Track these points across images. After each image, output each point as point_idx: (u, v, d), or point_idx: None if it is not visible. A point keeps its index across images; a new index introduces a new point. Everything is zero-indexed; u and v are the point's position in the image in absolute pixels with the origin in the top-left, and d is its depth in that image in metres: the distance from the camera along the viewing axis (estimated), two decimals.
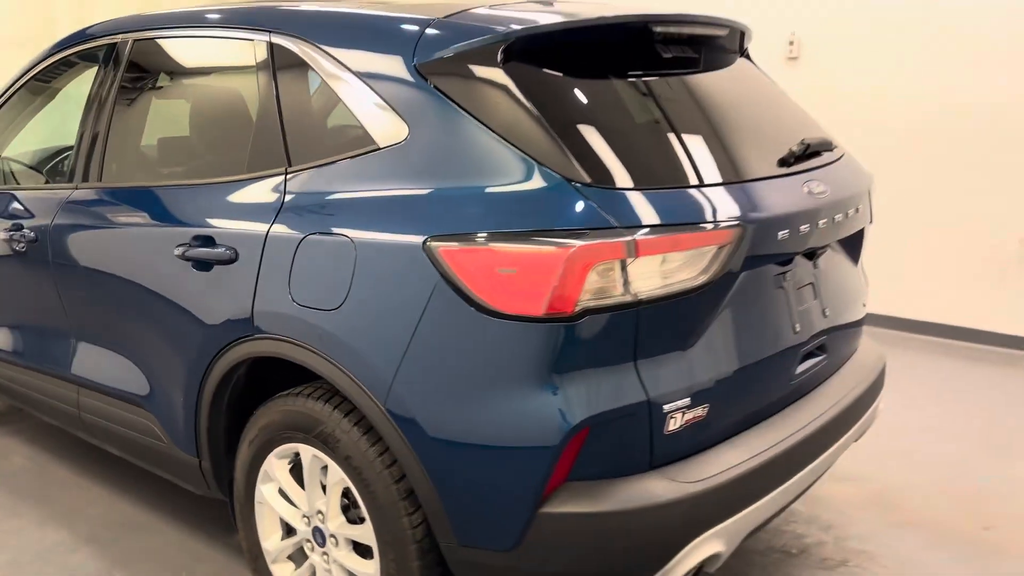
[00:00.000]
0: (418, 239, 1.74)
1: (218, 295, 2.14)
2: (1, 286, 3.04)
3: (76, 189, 2.68)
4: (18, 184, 3.22)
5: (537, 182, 1.71)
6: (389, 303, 1.80)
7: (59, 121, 3.31)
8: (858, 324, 2.46)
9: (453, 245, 1.70)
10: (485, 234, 1.68)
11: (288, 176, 2.07)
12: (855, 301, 2.42)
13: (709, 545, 1.77)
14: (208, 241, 2.15)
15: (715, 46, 2.32)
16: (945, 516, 2.88)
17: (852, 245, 2.37)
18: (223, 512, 2.84)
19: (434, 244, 1.71)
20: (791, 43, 5.04)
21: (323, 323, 1.89)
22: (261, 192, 2.10)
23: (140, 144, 2.70)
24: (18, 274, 2.89)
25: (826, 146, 2.25)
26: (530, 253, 1.64)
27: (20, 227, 2.80)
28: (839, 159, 2.34)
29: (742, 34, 2.43)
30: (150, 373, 2.44)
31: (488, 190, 1.75)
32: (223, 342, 2.14)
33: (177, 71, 2.73)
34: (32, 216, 2.80)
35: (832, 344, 2.23)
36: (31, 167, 3.34)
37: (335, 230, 1.89)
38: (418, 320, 1.74)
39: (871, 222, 2.43)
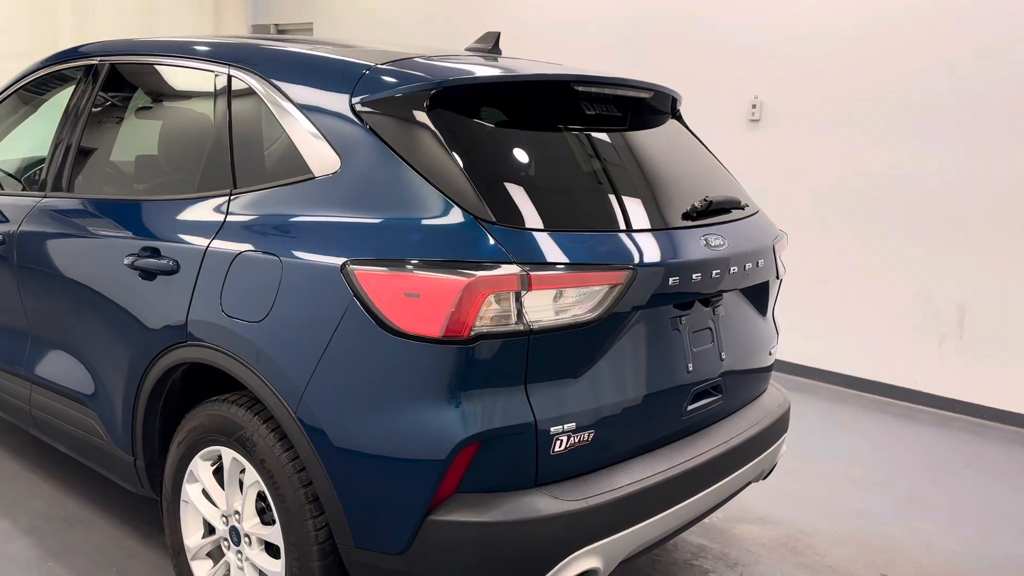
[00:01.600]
0: (338, 261, 1.91)
1: (158, 303, 2.30)
2: None
3: (44, 197, 2.85)
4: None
5: (450, 218, 1.88)
6: (306, 318, 1.96)
7: (45, 132, 3.50)
8: (762, 370, 2.63)
9: (368, 269, 1.87)
10: (398, 261, 1.86)
11: (232, 197, 2.24)
12: (760, 348, 2.59)
13: (586, 560, 1.92)
14: (155, 252, 2.32)
15: (644, 107, 2.52)
16: (847, 562, 3.02)
17: (758, 296, 2.55)
18: (157, 511, 2.98)
19: (352, 267, 1.88)
20: (754, 106, 5.28)
21: (247, 333, 2.05)
22: (206, 210, 2.28)
23: (107, 159, 2.88)
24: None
25: (733, 203, 2.44)
26: (433, 280, 1.81)
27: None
28: (750, 216, 2.53)
29: (673, 99, 2.64)
30: (95, 373, 2.59)
31: (407, 222, 1.92)
32: (160, 347, 2.29)
33: (147, 94, 2.92)
34: (4, 220, 2.97)
35: (729, 386, 2.40)
36: (11, 174, 3.52)
37: (266, 249, 2.06)
38: (331, 336, 1.91)
39: (778, 276, 2.61)
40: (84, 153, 2.81)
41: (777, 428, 2.57)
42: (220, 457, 2.25)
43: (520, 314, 1.82)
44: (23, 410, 2.97)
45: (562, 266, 1.87)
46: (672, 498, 2.10)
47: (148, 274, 2.33)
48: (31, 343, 2.88)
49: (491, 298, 1.79)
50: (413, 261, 1.85)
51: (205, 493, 2.32)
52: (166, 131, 2.78)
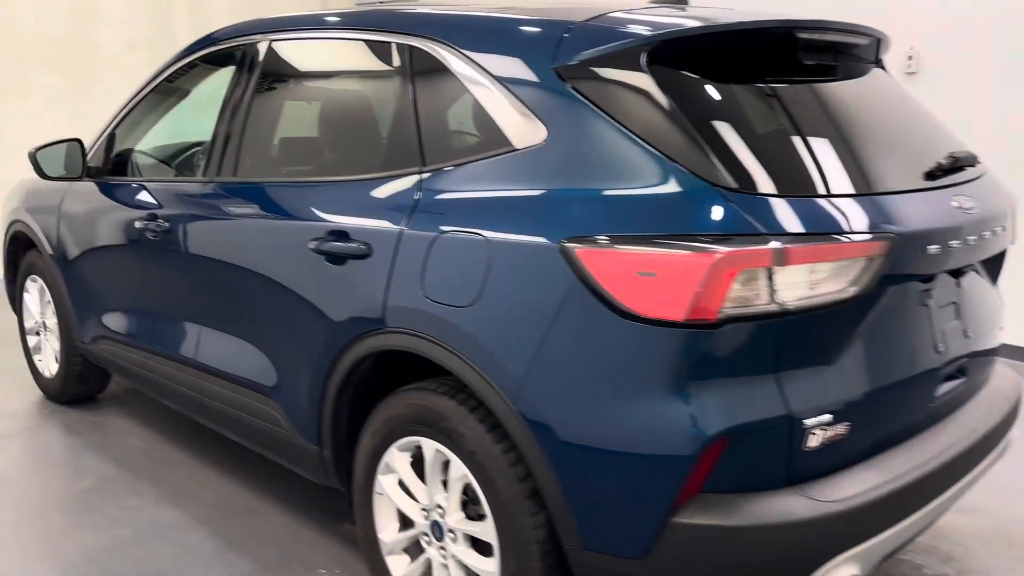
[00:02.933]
0: (554, 240, 1.74)
1: (349, 289, 2.19)
2: (128, 272, 3.19)
3: (211, 183, 2.78)
4: (147, 177, 3.37)
5: (680, 186, 1.69)
6: (522, 302, 1.80)
7: (195, 118, 3.46)
8: (996, 349, 2.35)
9: (591, 247, 1.70)
10: (624, 237, 1.68)
11: (423, 175, 2.10)
12: (994, 324, 2.32)
13: (845, 568, 1.72)
14: (342, 236, 2.20)
15: (853, 54, 2.26)
16: None
17: (992, 265, 2.28)
18: (332, 500, 2.92)
19: (571, 245, 1.71)
20: (910, 58, 4.87)
21: (455, 320, 1.91)
22: (396, 190, 2.15)
23: (275, 142, 2.79)
24: (148, 261, 3.03)
25: (971, 161, 2.17)
26: (673, 257, 1.62)
27: (154, 217, 2.93)
28: (982, 176, 2.25)
29: (879, 43, 2.37)
30: (276, 362, 2.51)
31: (628, 193, 1.74)
32: (352, 334, 2.18)
33: (313, 72, 2.82)
34: (165, 207, 2.93)
35: (971, 367, 2.14)
36: (161, 160, 3.50)
37: (470, 228, 1.92)
38: (552, 321, 1.75)
39: (1013, 242, 2.32)
40: (251, 136, 2.73)
41: (1013, 414, 2.30)
42: (418, 448, 2.14)
43: (772, 293, 1.62)
44: (193, 399, 2.95)
45: (816, 237, 1.66)
46: (928, 495, 1.88)
47: (336, 258, 2.22)
48: (202, 332, 2.84)
49: (741, 276, 1.59)
50: (645, 236, 1.66)
51: (402, 485, 2.22)
52: (337, 109, 2.67)
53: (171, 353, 2.99)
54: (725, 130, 1.80)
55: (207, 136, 2.90)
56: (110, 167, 3.38)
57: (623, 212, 1.72)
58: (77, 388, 3.90)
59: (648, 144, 1.74)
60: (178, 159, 3.41)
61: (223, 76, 2.94)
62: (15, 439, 3.62)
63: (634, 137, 1.76)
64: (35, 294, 4.04)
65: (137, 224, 3.00)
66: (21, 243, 4.05)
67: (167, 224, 2.86)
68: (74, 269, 3.51)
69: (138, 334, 3.18)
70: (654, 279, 1.63)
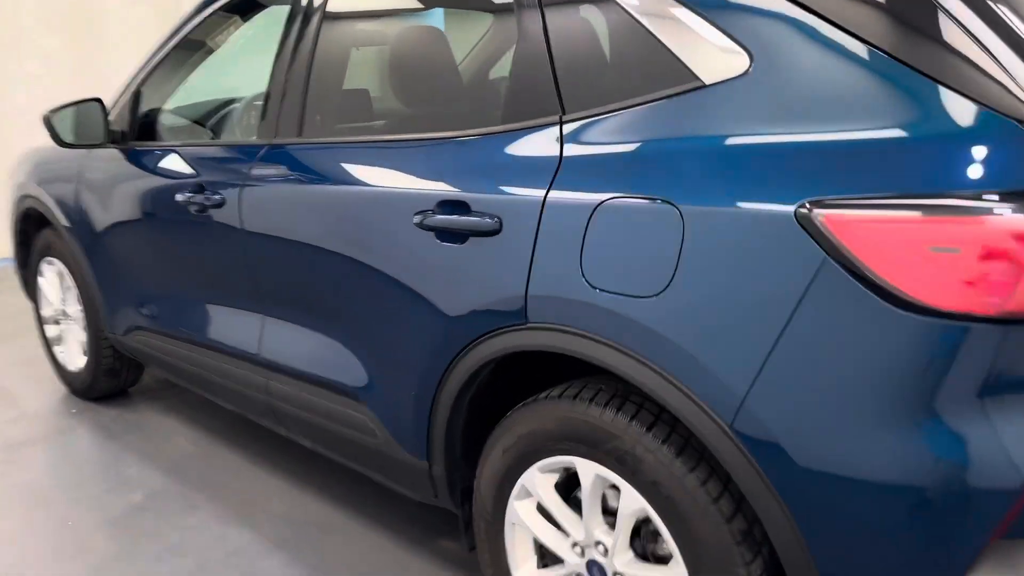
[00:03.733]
0: (787, 205, 1.29)
1: (472, 274, 1.74)
2: (170, 254, 2.73)
3: (271, 147, 2.31)
4: (187, 141, 2.89)
5: (975, 125, 1.23)
6: (741, 291, 1.36)
7: (222, 72, 2.98)
8: None
9: (848, 214, 1.25)
10: (894, 198, 1.23)
11: (564, 125, 1.64)
12: None
13: None
14: (460, 208, 1.75)
15: None
16: None
17: None
18: (423, 515, 2.51)
19: (818, 212, 1.26)
20: None
21: (635, 313, 1.47)
22: (528, 146, 1.69)
23: (358, 93, 2.32)
24: (195, 241, 2.57)
25: None
26: (987, 227, 1.17)
27: (200, 188, 2.46)
28: None
29: None
30: (370, 363, 2.08)
31: (890, 136, 1.28)
32: (479, 331, 1.75)
33: (402, 6, 2.33)
34: (214, 176, 2.46)
35: None
36: (201, 122, 3.02)
37: (648, 194, 1.46)
38: (791, 314, 1.30)
39: None
40: (324, 87, 2.26)
41: None
42: (569, 470, 1.72)
43: None
44: (257, 400, 2.52)
45: None
46: None
47: (451, 236, 1.77)
48: (267, 324, 2.40)
49: None
50: (928, 197, 1.21)
51: (542, 511, 1.80)
52: (434, 51, 2.18)
53: (227, 348, 2.55)
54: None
55: (256, 91, 2.44)
56: (136, 131, 2.90)
57: (892, 164, 1.26)
58: (108, 383, 3.47)
59: (914, 67, 1.28)
60: (223, 119, 2.94)
61: (275, 17, 2.46)
62: (42, 446, 3.19)
63: (890, 57, 1.30)
64: (52, 278, 3.59)
65: (179, 197, 2.53)
66: (33, 220, 3.60)
67: (218, 197, 2.39)
68: (101, 251, 3.06)
69: (184, 326, 2.74)
70: (956, 256, 1.18)
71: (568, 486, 1.75)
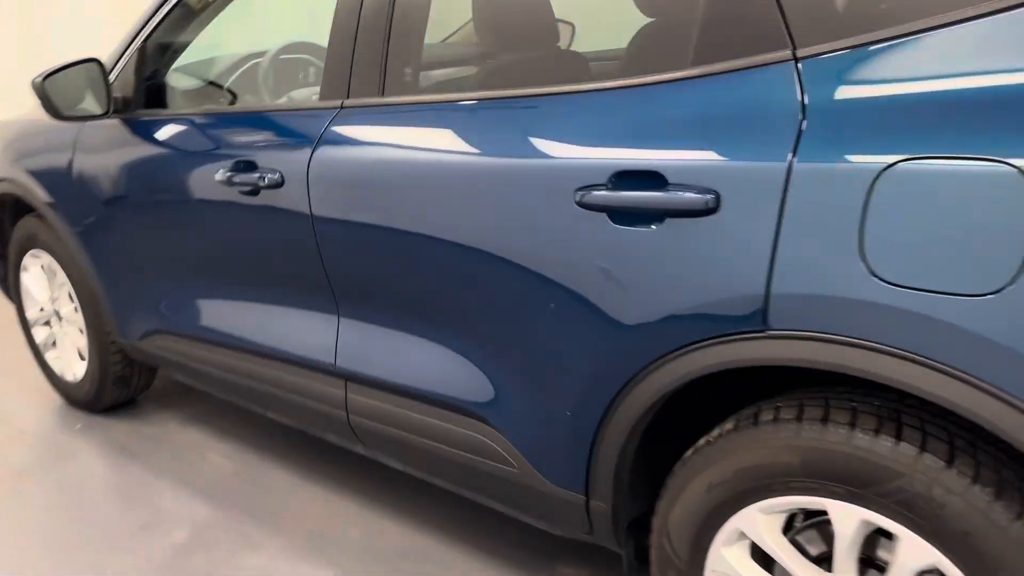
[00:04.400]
0: None
1: (670, 267, 1.34)
2: (205, 245, 2.27)
3: (343, 110, 1.86)
4: (219, 107, 2.41)
5: None
6: None
7: (241, 22, 2.49)
8: None
9: None
10: None
11: (801, 63, 1.23)
12: None
13: None
14: (649, 180, 1.34)
15: None
16: None
17: None
18: (528, 536, 2.13)
19: None
20: None
21: (960, 317, 1.09)
22: (749, 94, 1.28)
23: (464, 36, 1.86)
24: (241, 229, 2.11)
25: None
26: None
27: (249, 165, 2.00)
28: None
29: None
30: (501, 375, 1.68)
31: None
32: (676, 342, 1.36)
33: None
34: (264, 149, 2.00)
35: None
36: (219, 82, 2.53)
37: (971, 154, 1.07)
38: None
39: None
40: (409, 32, 1.80)
41: None
42: (804, 512, 1.35)
43: None
44: (329, 416, 2.10)
45: None
46: None
47: (633, 217, 1.36)
48: (345, 327, 1.97)
49: None
50: None
51: (759, 558, 1.43)
52: None
53: (289, 355, 2.12)
54: None
55: (307, 40, 1.97)
56: (144, 96, 2.40)
57: None
58: (117, 392, 3.00)
59: None
60: (260, 79, 2.46)
61: None
62: (49, 472, 2.73)
63: None
64: (38, 274, 3.08)
65: (218, 176, 2.06)
66: (7, 208, 3.08)
67: (276, 175, 1.93)
68: (106, 244, 2.57)
69: (226, 329, 2.29)
70: None
71: (792, 525, 1.39)
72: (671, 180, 1.31)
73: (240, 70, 2.59)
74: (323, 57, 2.05)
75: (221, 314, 2.29)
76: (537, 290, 1.53)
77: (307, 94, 2.57)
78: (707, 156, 1.29)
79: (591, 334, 1.47)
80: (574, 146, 1.46)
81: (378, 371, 1.92)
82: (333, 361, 2.00)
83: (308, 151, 1.87)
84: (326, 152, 1.84)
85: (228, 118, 2.17)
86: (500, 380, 1.69)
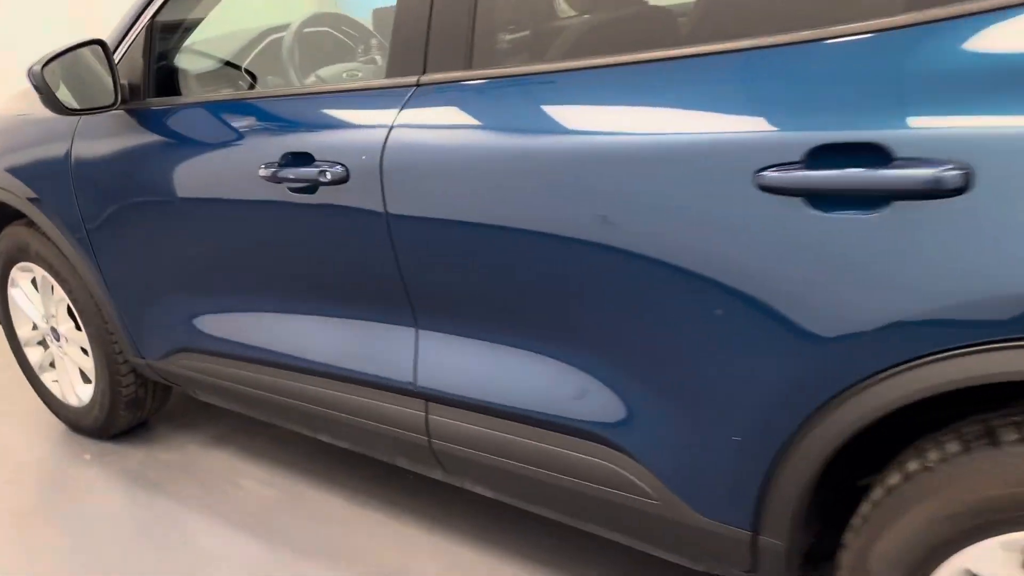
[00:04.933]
0: None
1: (900, 262, 1.09)
2: (246, 251, 1.97)
3: (418, 86, 1.57)
4: (255, 90, 2.10)
5: None
6: None
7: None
8: None
9: None
10: None
11: None
12: None
13: None
14: (866, 153, 1.08)
15: None
16: None
17: None
18: (638, 561, 1.87)
19: None
20: None
21: None
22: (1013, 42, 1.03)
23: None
24: (292, 231, 1.81)
25: None
26: None
27: (304, 157, 1.70)
28: None
29: None
30: (639, 393, 1.42)
31: None
32: (904, 354, 1.11)
33: None
34: (321, 139, 1.70)
35: None
36: (227, 63, 2.21)
37: None
38: None
39: None
40: None
41: None
42: None
43: None
44: (406, 441, 1.83)
45: None
46: None
47: (841, 201, 1.11)
48: (426, 341, 1.70)
49: None
50: None
51: None
52: None
53: (354, 373, 1.85)
54: None
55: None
56: (156, 81, 2.08)
57: None
58: (130, 416, 2.69)
59: None
60: (301, 56, 2.14)
61: None
62: (63, 513, 2.41)
63: None
64: (28, 289, 2.75)
65: (262, 172, 1.76)
66: None
67: (339, 169, 1.63)
68: (118, 253, 2.25)
69: (273, 346, 1.99)
70: None
71: None
72: (899, 154, 1.06)
73: (258, 48, 2.28)
74: (350, 28, 1.76)
75: (266, 329, 1.99)
76: (697, 293, 1.27)
77: (338, 71, 2.27)
78: (954, 122, 1.04)
79: (775, 346, 1.22)
80: (750, 117, 1.20)
81: (470, 390, 1.66)
82: (412, 380, 1.73)
83: (380, 139, 1.58)
84: (403, 139, 1.56)
85: (266, 104, 1.86)
86: (636, 399, 1.43)
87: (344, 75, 2.28)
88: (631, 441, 1.46)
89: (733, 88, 1.23)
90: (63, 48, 1.92)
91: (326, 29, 2.37)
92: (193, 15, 2.09)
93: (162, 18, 2.04)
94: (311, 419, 2.05)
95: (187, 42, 2.12)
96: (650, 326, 1.36)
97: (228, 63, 2.23)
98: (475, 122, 1.51)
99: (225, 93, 2.11)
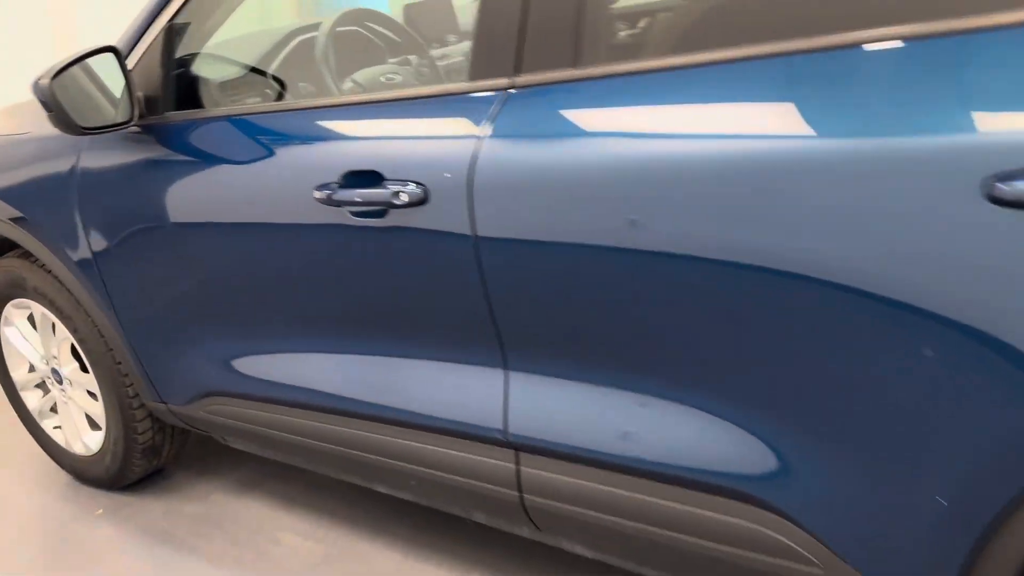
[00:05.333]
0: None
1: None
2: (296, 283, 1.72)
3: (511, 90, 1.34)
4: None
5: None
6: None
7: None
8: None
9: None
10: None
11: None
12: None
13: None
14: None
15: None
16: None
17: None
18: None
19: None
20: None
21: None
22: None
23: None
24: (358, 261, 1.57)
25: None
26: None
27: (370, 176, 1.46)
28: None
29: None
30: (800, 443, 1.20)
31: None
32: None
33: None
34: (392, 155, 1.46)
35: None
36: (253, 70, 1.96)
37: None
38: None
39: None
40: None
41: None
42: None
43: None
44: (491, 496, 1.59)
45: None
46: None
47: None
48: (519, 385, 1.47)
49: None
50: None
51: None
52: None
53: (426, 420, 1.61)
54: None
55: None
56: (176, 93, 1.83)
57: None
58: (146, 464, 2.42)
59: None
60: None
61: None
62: None
63: None
64: (25, 328, 2.47)
65: (317, 194, 1.52)
66: None
67: (416, 190, 1.39)
68: (135, 286, 1.99)
69: (331, 390, 1.74)
70: None
71: None
72: None
73: (285, 51, 2.03)
74: (384, 26, 1.52)
75: (320, 371, 1.75)
76: (898, 331, 1.05)
77: (376, 74, 2.03)
78: None
79: (1008, 394, 1.00)
80: (975, 113, 0.98)
81: (578, 440, 1.43)
82: (502, 427, 1.50)
83: (467, 154, 1.34)
84: (497, 152, 1.32)
85: (315, 115, 1.61)
86: (797, 452, 1.22)
87: (382, 79, 2.04)
88: (786, 500, 1.24)
89: (953, 78, 1.01)
90: (73, 58, 1.66)
91: (358, 28, 2.12)
92: (217, 19, 1.83)
93: (181, 20, 1.79)
94: (369, 469, 1.80)
95: (206, 47, 1.86)
96: (821, 370, 1.14)
97: (254, 69, 1.98)
98: (594, 127, 1.27)
99: (258, 104, 1.85)
